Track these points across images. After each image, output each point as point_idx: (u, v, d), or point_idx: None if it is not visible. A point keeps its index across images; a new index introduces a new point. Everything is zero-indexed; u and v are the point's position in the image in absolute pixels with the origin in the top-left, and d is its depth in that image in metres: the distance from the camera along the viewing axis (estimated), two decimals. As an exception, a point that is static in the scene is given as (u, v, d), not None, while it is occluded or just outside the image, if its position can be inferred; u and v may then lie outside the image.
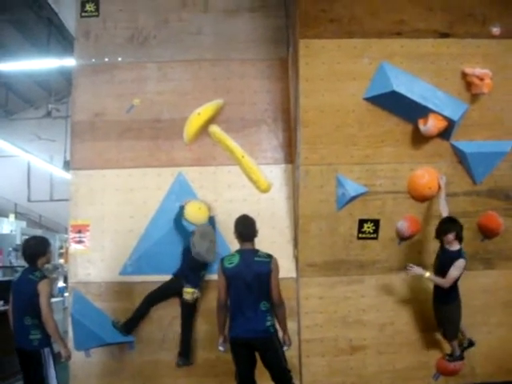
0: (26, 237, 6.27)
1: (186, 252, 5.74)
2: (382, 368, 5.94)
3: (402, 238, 5.88)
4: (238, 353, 4.71)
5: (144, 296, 5.81)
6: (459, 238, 5.37)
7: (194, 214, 5.96)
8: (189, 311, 5.79)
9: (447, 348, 5.80)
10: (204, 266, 5.79)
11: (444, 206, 5.58)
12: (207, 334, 5.83)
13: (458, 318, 5.51)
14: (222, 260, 4.79)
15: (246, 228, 4.83)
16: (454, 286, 5.41)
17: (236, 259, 4.71)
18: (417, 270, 5.40)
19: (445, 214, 5.54)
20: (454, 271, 5.28)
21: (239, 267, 4.65)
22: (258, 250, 4.80)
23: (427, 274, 5.39)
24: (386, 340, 5.97)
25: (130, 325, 5.78)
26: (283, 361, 4.72)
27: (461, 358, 5.69)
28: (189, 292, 5.66)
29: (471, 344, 5.71)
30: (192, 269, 5.73)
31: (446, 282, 5.31)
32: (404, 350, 5.96)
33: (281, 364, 4.70)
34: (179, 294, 5.73)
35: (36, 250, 4.95)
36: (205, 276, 5.83)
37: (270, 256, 4.78)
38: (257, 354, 4.75)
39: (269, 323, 4.67)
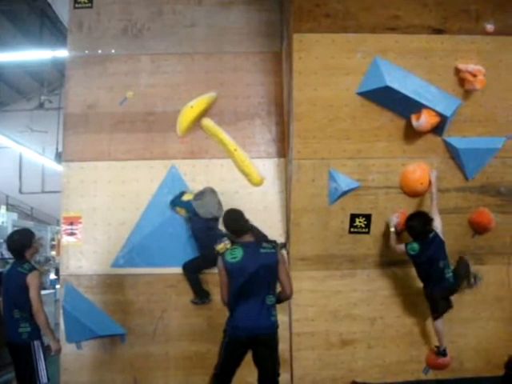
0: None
1: (194, 225, 5.81)
2: (372, 362, 5.97)
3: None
4: (233, 351, 4.47)
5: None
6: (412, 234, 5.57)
7: None
8: None
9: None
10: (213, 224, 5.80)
11: (433, 200, 5.59)
12: (196, 327, 5.86)
13: (435, 297, 5.56)
14: (223, 254, 4.51)
15: (237, 222, 4.60)
16: (434, 272, 5.51)
17: (239, 253, 4.43)
18: (391, 221, 5.75)
19: (433, 208, 5.57)
20: (397, 247, 5.67)
21: (244, 261, 4.38)
22: (261, 241, 4.60)
23: (392, 229, 5.71)
24: (377, 334, 5.99)
25: (201, 293, 5.84)
26: (277, 364, 4.51)
27: (443, 353, 5.73)
28: (221, 248, 5.40)
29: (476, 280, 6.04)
30: (209, 229, 5.74)
31: (391, 246, 5.73)
32: (394, 344, 6.00)
33: (274, 366, 4.49)
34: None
35: (21, 243, 4.92)
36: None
37: (274, 246, 4.56)
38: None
39: (273, 318, 4.45)
